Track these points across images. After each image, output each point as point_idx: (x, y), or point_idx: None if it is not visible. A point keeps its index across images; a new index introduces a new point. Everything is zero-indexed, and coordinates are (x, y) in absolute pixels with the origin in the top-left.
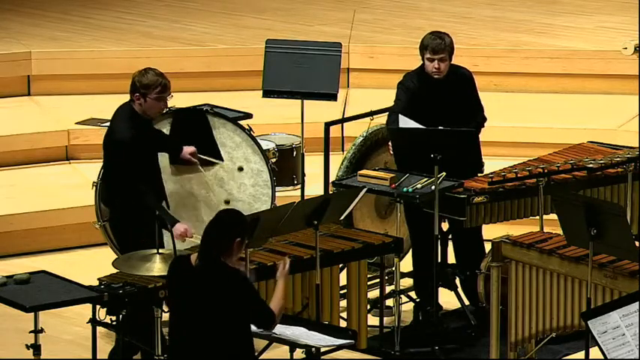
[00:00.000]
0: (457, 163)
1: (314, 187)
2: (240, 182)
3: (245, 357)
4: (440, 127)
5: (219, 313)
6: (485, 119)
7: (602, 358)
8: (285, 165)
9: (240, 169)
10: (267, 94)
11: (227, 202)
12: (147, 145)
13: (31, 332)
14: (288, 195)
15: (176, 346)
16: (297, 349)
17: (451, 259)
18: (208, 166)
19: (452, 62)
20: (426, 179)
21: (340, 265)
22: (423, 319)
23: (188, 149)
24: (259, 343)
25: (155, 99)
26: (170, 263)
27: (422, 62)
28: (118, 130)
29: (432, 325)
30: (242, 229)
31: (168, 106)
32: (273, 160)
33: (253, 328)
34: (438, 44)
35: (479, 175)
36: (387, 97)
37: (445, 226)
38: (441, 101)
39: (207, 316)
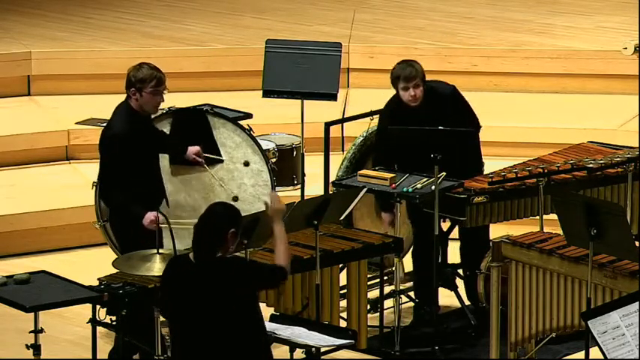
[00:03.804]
0: (457, 163)
1: (314, 187)
2: (240, 182)
3: (260, 348)
4: (440, 127)
5: (225, 308)
6: (479, 128)
7: (602, 358)
8: (285, 165)
9: (247, 163)
10: (267, 94)
11: (235, 198)
12: (144, 142)
13: (31, 332)
14: (288, 195)
15: (182, 345)
16: (297, 349)
17: (452, 259)
18: (213, 165)
19: (429, 80)
20: (426, 179)
21: (340, 265)
22: (423, 319)
23: (193, 149)
24: None
25: (151, 93)
26: (167, 263)
27: (396, 93)
28: (115, 127)
29: (432, 325)
30: (232, 220)
31: (168, 105)
32: (273, 160)
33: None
34: (410, 72)
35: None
36: (387, 97)
37: (445, 225)
38: (422, 126)
39: (213, 314)
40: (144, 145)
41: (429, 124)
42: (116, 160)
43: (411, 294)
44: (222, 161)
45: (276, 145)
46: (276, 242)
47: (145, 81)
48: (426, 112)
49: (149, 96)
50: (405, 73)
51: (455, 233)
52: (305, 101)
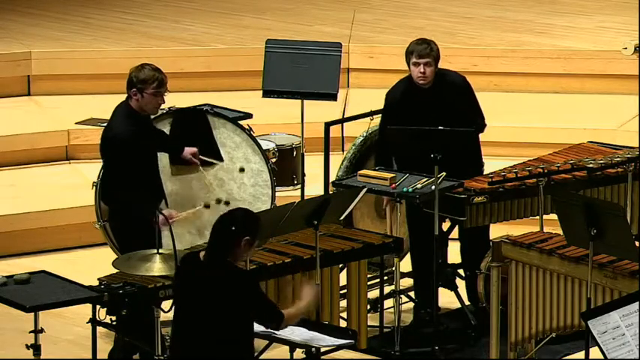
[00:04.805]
0: (457, 163)
1: (314, 187)
2: (241, 182)
3: (245, 356)
4: (440, 127)
5: (221, 311)
6: (484, 126)
7: (602, 358)
8: (285, 165)
9: (242, 169)
10: (267, 94)
11: (227, 202)
12: (146, 143)
13: (31, 332)
14: (288, 195)
15: (178, 343)
16: (297, 349)
17: (451, 259)
18: (209, 166)
19: (444, 68)
20: (426, 179)
21: (340, 265)
22: (423, 319)
23: (189, 150)
24: (259, 343)
25: (152, 94)
26: (180, 259)
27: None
28: (116, 128)
29: (432, 325)
30: (248, 228)
31: (169, 105)
32: (273, 160)
33: (257, 327)
34: (423, 49)
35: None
36: None
37: (445, 225)
38: (429, 111)
39: (209, 315)
40: (144, 146)
41: (437, 109)
42: (117, 161)
43: (411, 294)
44: (222, 161)
45: (276, 145)
46: (297, 307)
47: (147, 82)
48: (436, 100)
49: (150, 97)
50: (420, 48)
51: (455, 233)
52: (305, 101)
